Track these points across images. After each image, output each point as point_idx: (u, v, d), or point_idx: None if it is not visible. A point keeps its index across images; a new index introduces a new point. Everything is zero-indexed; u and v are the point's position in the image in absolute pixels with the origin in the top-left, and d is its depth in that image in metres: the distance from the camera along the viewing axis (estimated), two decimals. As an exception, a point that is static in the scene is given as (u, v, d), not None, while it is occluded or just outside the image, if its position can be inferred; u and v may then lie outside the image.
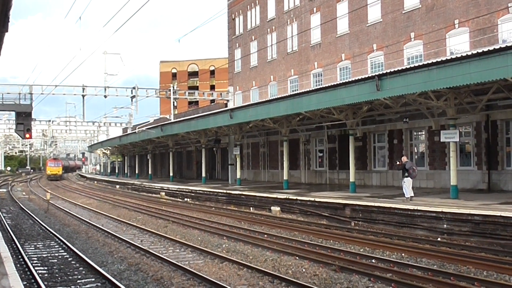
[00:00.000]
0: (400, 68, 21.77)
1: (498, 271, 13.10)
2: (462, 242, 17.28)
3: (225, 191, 35.15)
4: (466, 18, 28.83)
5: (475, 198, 22.84)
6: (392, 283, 12.12)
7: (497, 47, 17.56)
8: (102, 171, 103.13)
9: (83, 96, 48.50)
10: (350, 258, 15.26)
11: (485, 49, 17.91)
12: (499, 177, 26.77)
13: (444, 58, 19.72)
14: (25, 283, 12.30)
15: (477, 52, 18.10)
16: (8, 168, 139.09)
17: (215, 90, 79.28)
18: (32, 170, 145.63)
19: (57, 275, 14.03)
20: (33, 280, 13.18)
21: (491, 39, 27.21)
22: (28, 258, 16.11)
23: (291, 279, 12.54)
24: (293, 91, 41.48)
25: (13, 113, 31.61)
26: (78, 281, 13.27)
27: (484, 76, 18.05)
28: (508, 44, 17.21)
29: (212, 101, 65.17)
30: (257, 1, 49.71)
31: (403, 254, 15.80)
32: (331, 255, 15.76)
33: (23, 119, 28.24)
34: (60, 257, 16.80)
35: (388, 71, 22.32)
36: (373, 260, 14.89)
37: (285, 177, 35.19)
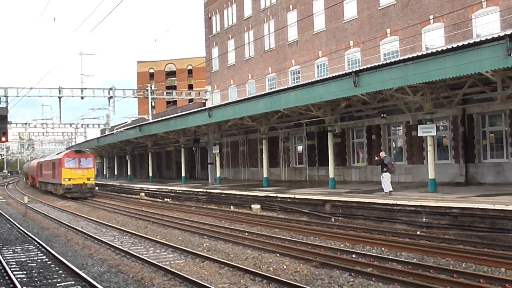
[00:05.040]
0: (376, 64, 21.91)
1: (476, 263, 13.25)
2: (441, 235, 17.47)
3: (205, 190, 35.09)
4: (441, 14, 29.09)
5: (453, 191, 23.06)
6: (372, 278, 12.19)
7: (471, 41, 17.74)
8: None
9: (60, 97, 48.06)
10: (331, 253, 15.32)
11: (460, 44, 18.09)
12: (476, 170, 27.07)
13: (420, 54, 19.88)
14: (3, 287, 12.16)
15: (452, 47, 18.28)
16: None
17: (193, 89, 78.99)
18: (9, 174, 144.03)
19: (36, 279, 13.87)
20: (11, 285, 13.02)
21: (466, 34, 27.49)
22: (6, 262, 15.89)
23: (273, 276, 12.55)
24: (271, 89, 41.51)
25: (-12, 116, 31.22)
26: (58, 284, 13.13)
27: (459, 71, 18.23)
28: (482, 39, 17.40)
29: (190, 100, 65.05)
30: (233, 0, 49.64)
31: (383, 249, 15.90)
32: (312, 251, 15.81)
33: (-1, 122, 27.88)
34: (39, 260, 16.61)
35: (365, 67, 22.46)
36: (354, 255, 14.96)
37: (265, 175, 35.21)
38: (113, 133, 58.21)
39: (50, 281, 13.53)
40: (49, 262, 16.21)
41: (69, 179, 44.23)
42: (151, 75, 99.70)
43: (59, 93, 47.85)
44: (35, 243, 20.10)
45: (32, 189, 67.95)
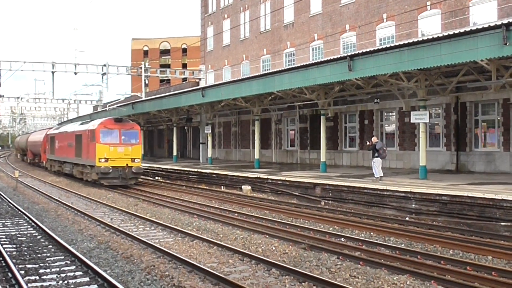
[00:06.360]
0: (372, 49, 21.85)
1: (463, 250, 13.37)
2: (430, 222, 17.59)
3: (196, 170, 35.10)
4: (438, 0, 28.99)
5: (443, 178, 23.18)
6: (360, 261, 12.27)
7: (467, 29, 17.72)
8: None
9: (53, 72, 47.79)
10: (320, 236, 15.41)
11: (456, 32, 18.07)
12: (467, 158, 27.20)
13: (415, 40, 19.84)
14: (-8, 260, 12.17)
15: (448, 34, 18.24)
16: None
17: (187, 68, 78.76)
18: (0, 148, 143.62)
19: (25, 253, 13.89)
20: (1, 258, 13.03)
21: (462, 22, 27.45)
22: (-5, 235, 15.92)
23: (261, 257, 12.62)
24: (265, 70, 41.38)
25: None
26: (47, 259, 13.15)
27: (454, 58, 18.22)
28: (479, 27, 17.38)
29: (184, 79, 64.80)
30: (230, -21, 49.32)
31: (371, 233, 16.01)
32: (301, 233, 15.89)
33: (-9, 95, 27.71)
34: (29, 235, 16.62)
35: (360, 51, 22.39)
36: (342, 239, 15.06)
37: (256, 156, 35.24)
38: (105, 110, 57.95)
39: (39, 255, 13.56)
40: (38, 237, 16.23)
41: (106, 160, 31.06)
42: (145, 53, 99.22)
43: (52, 68, 47.57)
44: (25, 217, 20.10)
45: (23, 163, 67.64)
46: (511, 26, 16.12)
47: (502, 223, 16.01)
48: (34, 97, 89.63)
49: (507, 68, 20.34)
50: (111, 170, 30.78)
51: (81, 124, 38.55)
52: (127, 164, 31.42)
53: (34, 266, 12.40)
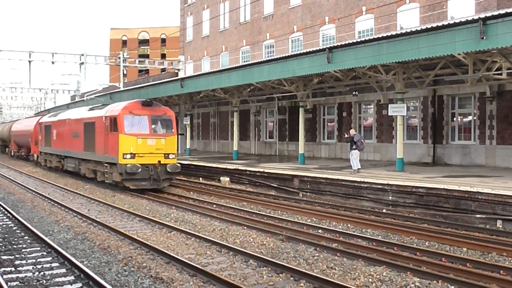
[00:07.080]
0: (351, 42, 21.91)
1: (439, 242, 13.53)
2: (406, 214, 17.77)
3: (174, 161, 34.93)
4: (417, -6, 29.17)
5: (420, 171, 23.38)
6: (337, 253, 12.36)
7: (445, 23, 17.85)
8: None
9: (30, 62, 47.26)
10: (297, 228, 15.48)
11: (434, 25, 18.20)
12: (443, 151, 27.47)
13: (394, 33, 19.94)
14: (-33, 252, 12.03)
15: (426, 27, 18.37)
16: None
17: (166, 59, 78.28)
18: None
19: (1, 244, 13.75)
20: (-25, 249, 12.89)
21: (441, 16, 27.66)
22: (-30, 226, 15.72)
23: (239, 248, 12.65)
24: (244, 61, 41.35)
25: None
26: (23, 250, 13.04)
27: (432, 52, 18.35)
28: (456, 21, 17.52)
29: (163, 70, 64.42)
30: (210, -31, 49.09)
31: (349, 225, 16.12)
32: (279, 225, 15.95)
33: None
34: (4, 225, 16.45)
35: (339, 44, 22.46)
36: (320, 231, 15.15)
37: (235, 148, 35.22)
38: (83, 100, 57.46)
39: (15, 246, 13.44)
40: (14, 228, 16.07)
41: (133, 156, 23.84)
42: (124, 43, 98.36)
43: (29, 57, 47.06)
44: (0, 208, 19.87)
45: (3, 156, 66.71)
46: (488, 20, 16.28)
47: (477, 215, 16.23)
48: (10, 86, 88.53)
49: (484, 62, 20.55)
50: (139, 170, 23.83)
51: (91, 109, 30.51)
52: (159, 161, 24.44)
53: (9, 257, 12.28)
